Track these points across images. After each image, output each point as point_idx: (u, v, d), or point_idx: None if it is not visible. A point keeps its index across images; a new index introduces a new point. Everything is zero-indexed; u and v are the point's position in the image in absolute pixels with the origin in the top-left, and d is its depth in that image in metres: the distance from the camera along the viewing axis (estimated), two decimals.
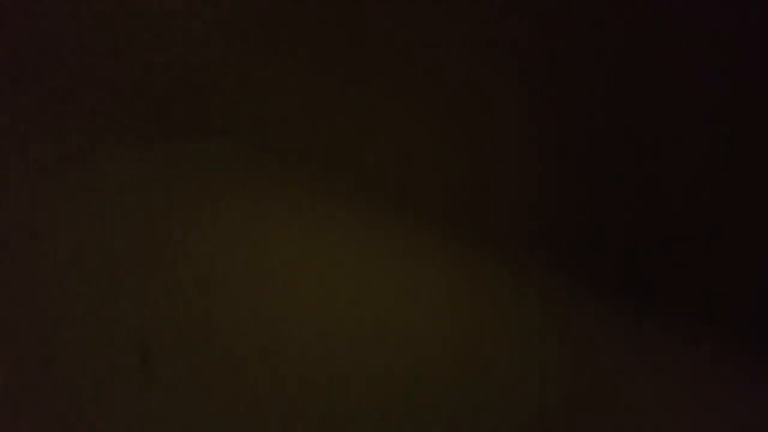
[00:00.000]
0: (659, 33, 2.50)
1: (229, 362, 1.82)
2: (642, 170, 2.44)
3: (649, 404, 2.41)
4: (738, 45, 2.65)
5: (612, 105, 2.40)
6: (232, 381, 1.82)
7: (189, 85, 1.80)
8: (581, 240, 2.31)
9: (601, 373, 2.33)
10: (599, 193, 2.36)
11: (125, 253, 1.72)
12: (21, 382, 1.63)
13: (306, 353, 1.90)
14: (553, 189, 2.27)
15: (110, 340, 1.70)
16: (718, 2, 2.62)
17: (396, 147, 2.04)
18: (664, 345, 2.44)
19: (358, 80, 2.00)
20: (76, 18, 1.69)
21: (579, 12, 2.36)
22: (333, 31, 1.96)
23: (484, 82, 2.18)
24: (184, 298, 1.78)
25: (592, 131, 2.36)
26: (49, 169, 1.65)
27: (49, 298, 1.64)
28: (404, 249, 2.04)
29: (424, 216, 2.07)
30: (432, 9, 2.10)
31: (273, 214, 1.88)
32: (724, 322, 2.56)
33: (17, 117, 1.64)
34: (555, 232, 2.27)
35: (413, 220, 2.06)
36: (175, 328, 1.77)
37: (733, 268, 2.59)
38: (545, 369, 2.23)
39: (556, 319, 2.25)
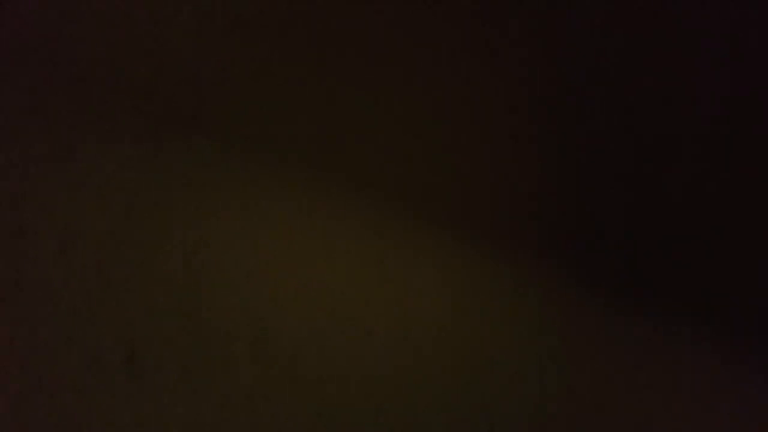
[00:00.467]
0: (659, 33, 2.50)
1: (217, 360, 1.80)
2: (642, 170, 2.44)
3: (648, 404, 2.41)
4: (738, 45, 2.65)
5: (612, 105, 2.40)
6: (220, 379, 1.80)
7: (186, 83, 1.80)
8: (581, 240, 2.31)
9: (601, 373, 2.33)
10: (599, 193, 2.36)
11: (111, 251, 1.70)
12: (3, 380, 1.62)
13: (298, 352, 1.89)
14: (553, 189, 2.27)
15: (95, 337, 1.68)
16: (718, 2, 2.62)
17: (395, 146, 2.04)
18: (664, 345, 2.44)
19: (358, 81, 2.00)
20: (75, 17, 1.69)
21: (579, 12, 2.36)
22: (334, 32, 1.96)
23: (484, 83, 2.18)
24: (171, 295, 1.76)
25: (592, 131, 2.36)
26: (33, 165, 1.64)
27: (33, 295, 1.63)
28: (399, 247, 2.04)
29: (422, 215, 2.07)
30: (432, 10, 2.10)
31: (265, 212, 1.87)
32: (724, 322, 2.56)
33: (2, 114, 1.63)
34: (555, 232, 2.27)
35: (411, 219, 2.06)
36: (162, 325, 1.75)
37: (733, 268, 2.59)
38: (545, 369, 2.23)
39: (556, 320, 2.25)
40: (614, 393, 2.34)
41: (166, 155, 1.76)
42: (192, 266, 1.79)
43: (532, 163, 2.24)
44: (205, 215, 1.80)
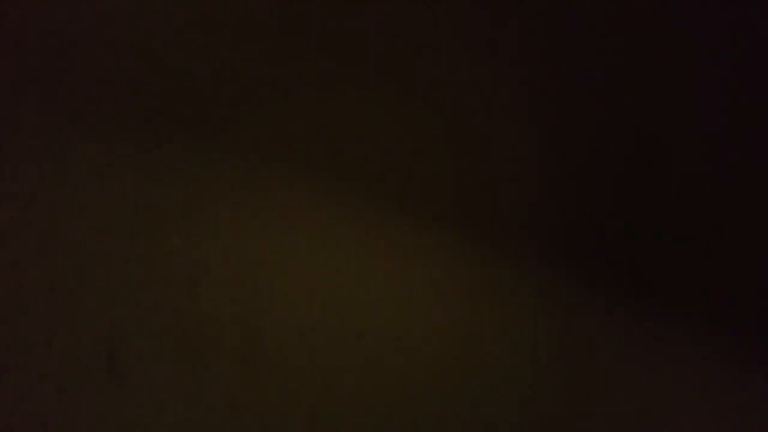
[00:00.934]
0: (659, 33, 2.50)
1: (203, 361, 1.76)
2: (642, 170, 2.44)
3: (647, 404, 2.41)
4: (738, 45, 2.66)
5: (612, 105, 2.40)
6: (206, 381, 1.76)
7: (181, 81, 1.80)
8: (581, 240, 2.32)
9: (598, 373, 2.33)
10: (598, 193, 2.36)
11: (91, 252, 1.67)
12: None
13: (287, 354, 1.86)
14: (552, 189, 2.28)
15: (75, 340, 1.64)
16: (718, 2, 2.62)
17: (388, 146, 2.04)
18: (664, 345, 2.44)
19: (356, 80, 2.00)
20: (74, 17, 1.69)
21: (579, 12, 2.36)
22: (335, 34, 1.96)
23: (484, 83, 2.18)
24: (154, 294, 1.72)
25: (591, 131, 2.36)
26: (8, 164, 1.61)
27: (10, 297, 1.59)
28: (390, 247, 2.04)
29: (414, 215, 2.07)
30: (432, 11, 2.11)
31: (252, 212, 1.84)
32: (724, 322, 2.56)
33: None
34: (554, 232, 2.27)
35: (403, 219, 2.06)
36: (144, 325, 1.71)
37: (733, 268, 2.59)
38: (540, 369, 2.23)
39: (552, 320, 2.25)
40: (611, 393, 2.34)
41: (148, 153, 1.74)
42: (176, 265, 1.75)
43: (532, 162, 2.25)
44: (189, 214, 1.77)
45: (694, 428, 2.48)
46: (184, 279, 1.76)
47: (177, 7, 1.78)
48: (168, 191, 1.75)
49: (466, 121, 2.14)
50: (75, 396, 1.63)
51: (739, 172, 2.62)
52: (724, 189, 2.59)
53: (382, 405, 1.98)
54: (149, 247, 1.72)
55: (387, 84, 2.03)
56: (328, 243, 1.93)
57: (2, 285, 1.59)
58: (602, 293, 2.34)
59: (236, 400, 1.80)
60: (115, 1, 1.72)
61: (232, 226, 1.82)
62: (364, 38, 2.01)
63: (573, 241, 2.30)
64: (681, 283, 2.49)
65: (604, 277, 2.35)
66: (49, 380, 1.61)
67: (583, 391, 2.29)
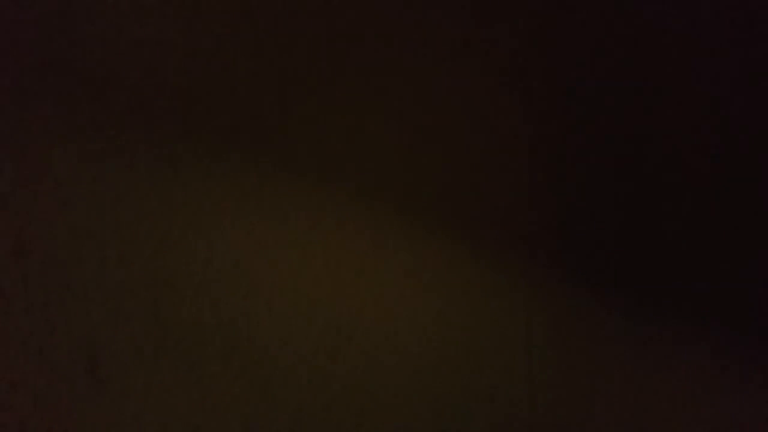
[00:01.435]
0: (659, 33, 2.49)
1: (186, 366, 1.73)
2: (641, 170, 2.43)
3: (643, 405, 2.40)
4: (738, 45, 2.64)
5: (610, 105, 2.39)
6: (190, 385, 1.73)
7: (182, 83, 1.80)
8: (575, 240, 2.31)
9: (595, 373, 2.32)
10: (593, 193, 2.35)
11: (70, 252, 1.64)
12: None
13: (273, 357, 1.84)
14: (546, 189, 2.27)
15: (55, 343, 1.60)
16: (718, 2, 2.61)
17: (383, 147, 2.04)
18: (663, 345, 2.44)
19: (354, 81, 2.00)
20: (74, 16, 1.68)
21: (578, 12, 2.35)
22: (333, 35, 1.96)
23: (481, 83, 2.18)
24: (136, 297, 1.69)
25: (589, 131, 2.35)
26: None
27: None
28: (379, 247, 2.03)
29: (407, 216, 2.07)
30: (431, 12, 2.10)
31: (237, 213, 1.80)
32: (724, 322, 2.55)
33: None
34: (551, 232, 2.27)
35: (395, 219, 2.05)
36: (126, 328, 1.68)
37: (733, 268, 2.58)
38: (534, 369, 2.23)
39: (547, 320, 2.25)
40: (608, 393, 2.34)
41: (131, 154, 1.70)
42: (159, 266, 1.73)
43: (530, 163, 2.24)
44: (172, 214, 1.75)
45: (691, 429, 2.47)
46: (168, 282, 1.73)
47: (179, 8, 1.78)
48: (147, 193, 1.73)
49: (459, 121, 2.14)
50: (55, 402, 1.61)
51: (739, 172, 2.61)
52: (724, 189, 2.58)
53: (372, 407, 1.97)
54: (129, 249, 1.70)
55: (378, 85, 2.03)
56: (316, 244, 1.92)
57: None
58: (596, 293, 2.34)
59: (220, 403, 1.78)
60: (116, 1, 1.71)
61: (214, 227, 1.80)
62: (361, 38, 2.00)
63: (566, 241, 2.30)
64: (676, 283, 2.48)
65: (598, 277, 2.34)
66: (28, 386, 1.59)
67: (578, 391, 2.28)
